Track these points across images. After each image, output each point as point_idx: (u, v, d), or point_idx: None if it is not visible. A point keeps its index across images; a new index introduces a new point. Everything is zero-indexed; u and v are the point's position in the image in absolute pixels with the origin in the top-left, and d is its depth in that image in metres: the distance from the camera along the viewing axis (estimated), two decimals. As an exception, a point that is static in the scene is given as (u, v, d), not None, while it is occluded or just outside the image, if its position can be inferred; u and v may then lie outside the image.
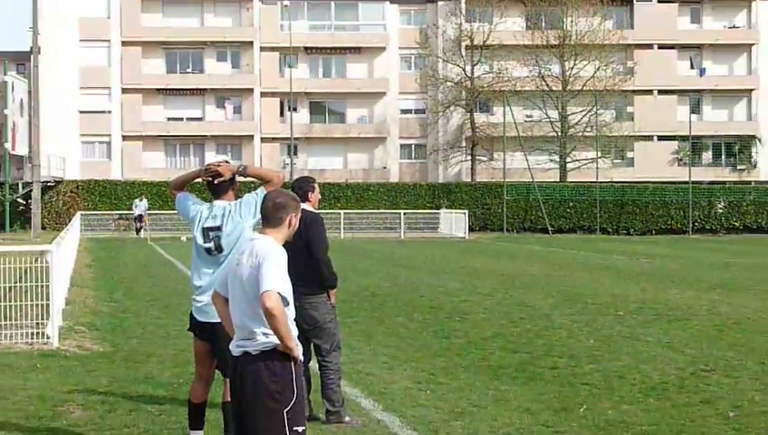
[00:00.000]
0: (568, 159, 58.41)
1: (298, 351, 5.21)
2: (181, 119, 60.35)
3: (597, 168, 50.97)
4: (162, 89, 59.84)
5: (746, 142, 65.45)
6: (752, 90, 65.87)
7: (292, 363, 5.20)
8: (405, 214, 45.52)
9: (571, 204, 48.87)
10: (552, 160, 58.58)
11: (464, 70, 60.43)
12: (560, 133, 58.70)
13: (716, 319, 13.79)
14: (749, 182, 58.99)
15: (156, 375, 9.42)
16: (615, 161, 63.58)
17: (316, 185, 7.96)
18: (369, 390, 8.86)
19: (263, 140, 61.67)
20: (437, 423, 7.57)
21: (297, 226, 5.34)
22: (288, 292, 5.17)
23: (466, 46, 60.65)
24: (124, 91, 59.09)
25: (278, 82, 60.71)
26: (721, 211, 48.63)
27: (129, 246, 34.91)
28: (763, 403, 8.21)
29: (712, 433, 7.30)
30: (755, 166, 65.05)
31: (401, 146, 63.74)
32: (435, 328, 12.89)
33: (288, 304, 5.17)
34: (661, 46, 64.45)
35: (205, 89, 60.54)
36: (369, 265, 24.36)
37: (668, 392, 8.72)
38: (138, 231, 43.73)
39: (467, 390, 8.81)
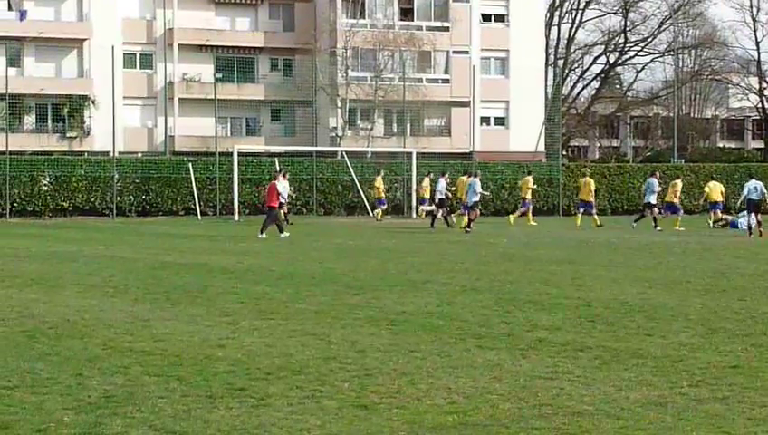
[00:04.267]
0: None
1: None
2: None
3: None
4: None
5: (78, 104, 67.20)
6: (83, 39, 67.76)
7: None
8: None
9: None
10: None
11: None
12: None
13: (29, 323, 13.94)
14: (82, 153, 60.65)
15: None
16: None
17: None
18: None
19: None
20: None
21: None
22: None
23: None
24: None
25: None
26: (46, 189, 49.32)
27: None
28: (74, 424, 8.44)
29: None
30: (89, 133, 67.14)
31: None
32: None
33: None
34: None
35: None
36: None
37: (-44, 420, 8.60)
38: None
39: None
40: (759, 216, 36.90)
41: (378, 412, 8.94)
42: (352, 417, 8.77)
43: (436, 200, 43.16)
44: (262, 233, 34.41)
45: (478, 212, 39.02)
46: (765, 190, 37.06)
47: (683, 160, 71.21)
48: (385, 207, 50.06)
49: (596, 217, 43.00)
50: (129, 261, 24.29)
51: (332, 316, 14.74)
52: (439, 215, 42.07)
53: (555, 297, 17.07)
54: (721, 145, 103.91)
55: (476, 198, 38.87)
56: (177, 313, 15.12)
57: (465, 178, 43.10)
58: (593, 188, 44.01)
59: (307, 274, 21.28)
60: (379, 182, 50.29)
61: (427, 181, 48.63)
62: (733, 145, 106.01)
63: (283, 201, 38.15)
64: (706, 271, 22.23)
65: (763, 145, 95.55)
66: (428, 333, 13.27)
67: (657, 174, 43.09)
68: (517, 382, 10.15)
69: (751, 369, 10.88)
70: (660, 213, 41.92)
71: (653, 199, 41.05)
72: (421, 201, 49.86)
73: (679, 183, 44.05)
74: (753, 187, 37.10)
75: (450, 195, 43.43)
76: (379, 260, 25.05)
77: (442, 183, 42.68)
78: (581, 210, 43.66)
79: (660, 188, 42.28)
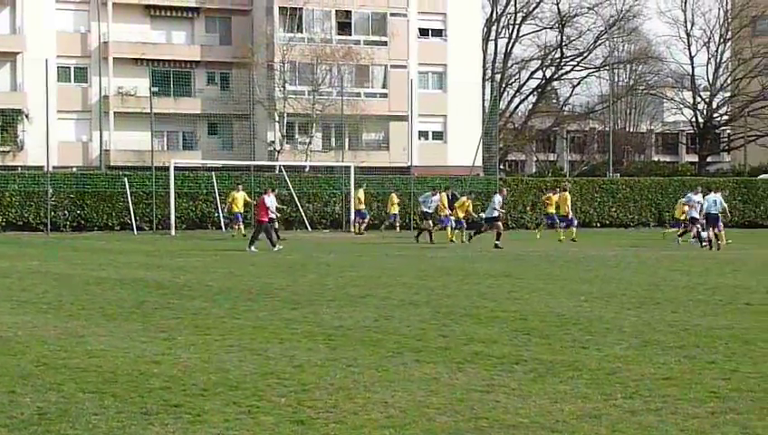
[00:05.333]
0: None
1: None
2: None
3: None
4: None
5: (11, 118, 66.68)
6: (17, 53, 67.17)
7: None
8: None
9: None
10: None
11: None
12: None
13: (-38, 340, 13.85)
14: (15, 168, 60.06)
15: None
16: None
17: None
18: None
19: None
20: None
21: None
22: None
23: None
24: None
25: None
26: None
27: None
28: None
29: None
30: (22, 147, 66.58)
31: None
32: None
33: None
34: None
35: None
36: None
37: None
38: None
39: None
40: (716, 229, 37.24)
41: (314, 427, 8.95)
42: (289, 432, 8.77)
43: (421, 213, 43.49)
44: (251, 247, 34.51)
45: (501, 226, 39.22)
46: (725, 204, 37.48)
47: (618, 174, 71.81)
48: (367, 219, 50.61)
49: (560, 231, 43.23)
50: (63, 277, 24.07)
51: (270, 331, 14.72)
52: (423, 225, 42.28)
53: (492, 311, 17.16)
54: (656, 159, 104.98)
55: (495, 214, 39.26)
56: (112, 329, 15.01)
57: (444, 193, 43.34)
58: (569, 202, 44.28)
59: (245, 288, 21.23)
60: (361, 194, 50.82)
61: (395, 198, 49.64)
62: (667, 159, 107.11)
63: (272, 216, 37.76)
64: (641, 284, 22.46)
65: (697, 159, 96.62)
66: (366, 347, 13.29)
67: (700, 188, 43.00)
68: (454, 396, 10.20)
69: (684, 380, 11.01)
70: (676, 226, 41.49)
71: (696, 214, 40.46)
72: (390, 216, 50.49)
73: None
74: (712, 201, 37.59)
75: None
76: (317, 274, 25.04)
77: (431, 197, 42.90)
78: (570, 223, 43.63)
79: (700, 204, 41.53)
